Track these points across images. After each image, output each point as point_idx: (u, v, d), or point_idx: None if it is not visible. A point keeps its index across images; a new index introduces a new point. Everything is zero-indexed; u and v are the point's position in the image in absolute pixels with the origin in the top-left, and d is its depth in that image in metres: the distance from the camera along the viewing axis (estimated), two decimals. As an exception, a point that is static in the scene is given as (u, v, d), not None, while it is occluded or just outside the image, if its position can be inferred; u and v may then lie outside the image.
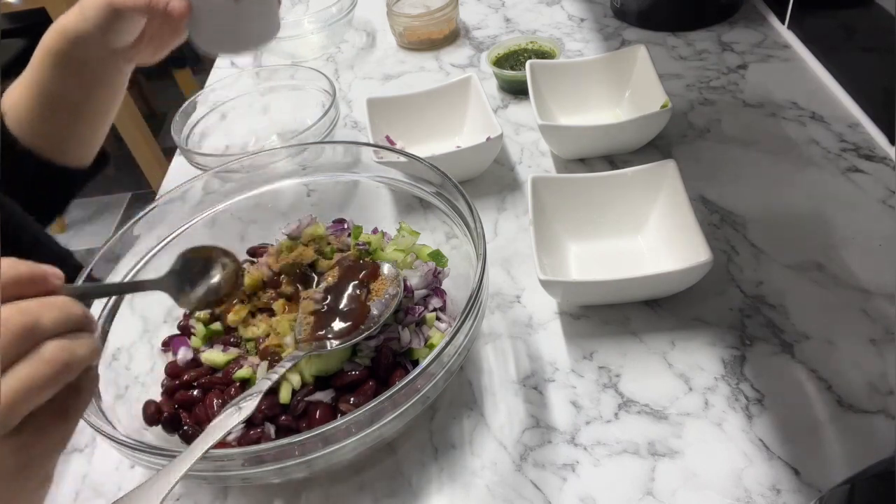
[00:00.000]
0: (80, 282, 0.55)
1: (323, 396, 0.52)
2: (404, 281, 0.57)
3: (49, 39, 0.67)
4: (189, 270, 0.49)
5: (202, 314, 0.60)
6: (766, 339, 0.57)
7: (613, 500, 0.49)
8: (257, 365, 0.54)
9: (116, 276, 0.59)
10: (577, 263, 0.65)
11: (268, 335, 0.56)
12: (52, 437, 0.35)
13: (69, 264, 0.54)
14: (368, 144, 0.67)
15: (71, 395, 0.35)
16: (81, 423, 0.46)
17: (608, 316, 0.61)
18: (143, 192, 2.34)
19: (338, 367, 0.53)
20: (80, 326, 0.35)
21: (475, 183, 0.77)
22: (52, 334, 0.33)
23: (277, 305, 0.58)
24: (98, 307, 0.56)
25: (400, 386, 0.45)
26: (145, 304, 0.60)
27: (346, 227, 0.65)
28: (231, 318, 0.58)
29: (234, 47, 0.71)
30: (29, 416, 0.33)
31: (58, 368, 0.33)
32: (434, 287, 0.60)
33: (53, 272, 0.36)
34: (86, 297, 0.45)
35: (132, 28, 0.67)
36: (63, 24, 0.66)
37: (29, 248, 0.67)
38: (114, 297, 0.58)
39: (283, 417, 0.51)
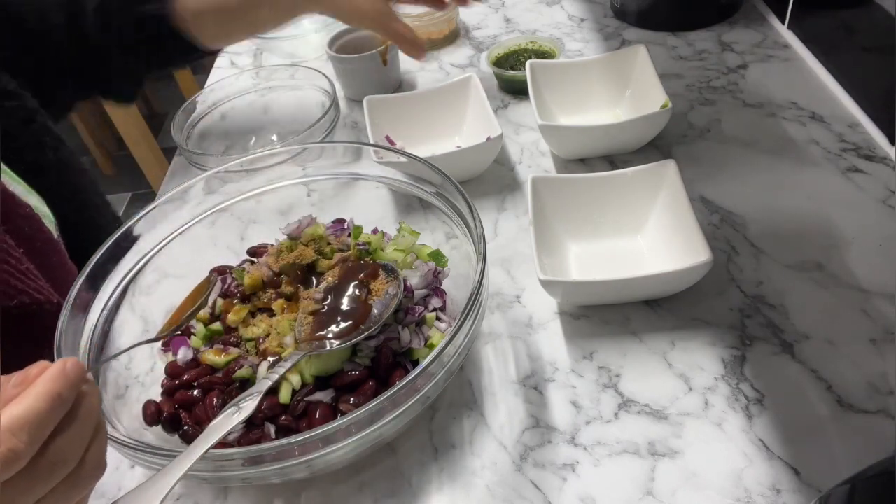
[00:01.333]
0: (79, 282, 0.55)
1: (323, 396, 0.52)
2: (404, 281, 0.57)
3: None
4: None
5: (202, 314, 0.60)
6: (766, 339, 0.57)
7: (613, 500, 0.49)
8: (257, 365, 0.54)
9: (116, 276, 0.59)
10: (577, 263, 0.65)
11: (268, 335, 0.56)
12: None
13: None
14: (368, 144, 0.67)
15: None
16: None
17: (608, 316, 0.61)
18: (143, 192, 2.34)
19: (338, 367, 0.53)
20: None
21: (475, 183, 0.77)
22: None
23: (277, 305, 0.58)
24: (98, 308, 0.56)
25: (400, 386, 0.45)
26: (145, 304, 0.60)
27: (346, 227, 0.65)
28: (231, 318, 0.58)
29: (373, 93, 0.86)
30: None
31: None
32: (434, 287, 0.60)
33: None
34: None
35: None
36: None
37: (95, 209, 0.76)
38: (114, 297, 0.58)
39: (283, 417, 0.51)
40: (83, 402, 0.36)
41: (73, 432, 0.35)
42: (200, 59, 0.85)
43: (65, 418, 0.35)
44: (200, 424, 0.52)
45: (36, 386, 0.34)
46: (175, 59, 0.85)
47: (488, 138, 0.72)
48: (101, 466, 0.38)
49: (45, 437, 0.34)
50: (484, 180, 0.77)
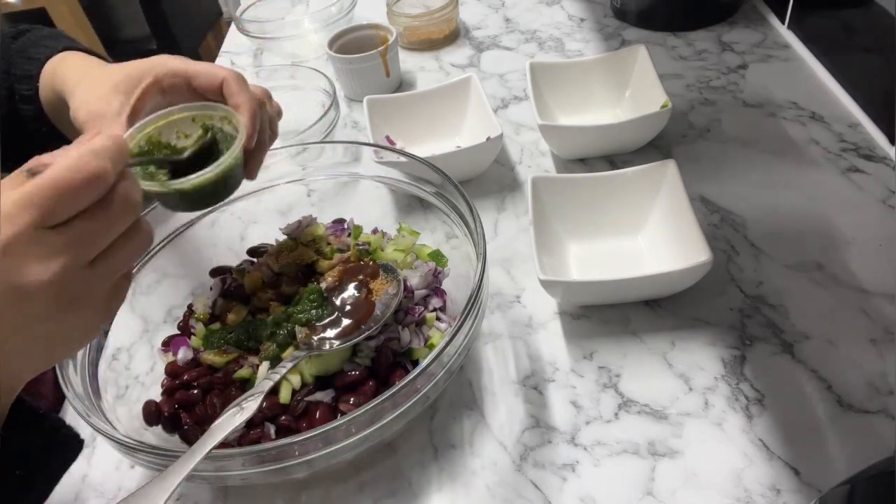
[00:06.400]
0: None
1: (323, 396, 0.52)
2: (404, 281, 0.57)
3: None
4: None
5: (202, 313, 0.60)
6: (766, 339, 0.57)
7: (613, 500, 0.49)
8: (257, 365, 0.54)
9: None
10: (577, 263, 0.65)
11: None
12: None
13: None
14: (368, 144, 0.67)
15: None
16: (81, 423, 0.46)
17: (608, 316, 0.61)
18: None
19: (338, 367, 0.53)
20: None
21: (475, 183, 0.77)
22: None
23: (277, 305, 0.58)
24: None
25: (400, 386, 0.45)
26: (145, 304, 0.60)
27: (346, 227, 0.65)
28: (231, 318, 0.58)
29: (373, 93, 0.86)
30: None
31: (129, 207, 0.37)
32: (434, 287, 0.60)
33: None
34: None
35: None
36: None
37: None
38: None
39: (283, 417, 0.51)
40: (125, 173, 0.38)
41: (130, 183, 0.38)
42: None
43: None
44: (200, 424, 0.52)
45: (101, 134, 0.37)
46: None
47: (488, 138, 0.72)
48: (151, 234, 0.41)
49: (120, 170, 0.36)
50: (484, 180, 0.77)
